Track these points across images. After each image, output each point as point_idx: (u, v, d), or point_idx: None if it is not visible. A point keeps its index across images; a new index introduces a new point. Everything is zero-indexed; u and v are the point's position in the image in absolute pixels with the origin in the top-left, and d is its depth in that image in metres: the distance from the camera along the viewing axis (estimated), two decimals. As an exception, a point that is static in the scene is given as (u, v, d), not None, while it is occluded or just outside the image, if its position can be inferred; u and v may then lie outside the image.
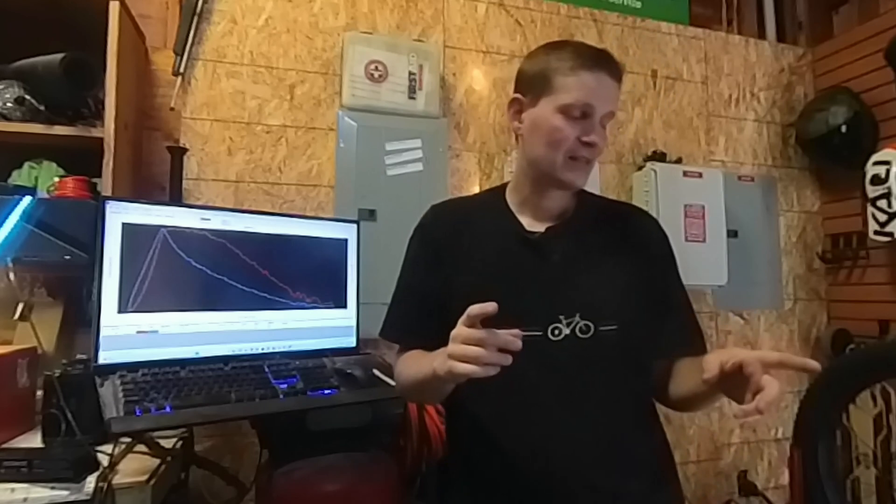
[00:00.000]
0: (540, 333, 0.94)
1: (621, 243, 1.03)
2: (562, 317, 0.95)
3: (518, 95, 1.02)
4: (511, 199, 1.07)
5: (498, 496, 0.97)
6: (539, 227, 1.02)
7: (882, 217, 2.15)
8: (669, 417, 2.04)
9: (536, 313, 0.95)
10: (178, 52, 1.81)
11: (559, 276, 0.99)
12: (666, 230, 1.09)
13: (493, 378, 0.75)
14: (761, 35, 2.68)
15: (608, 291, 0.98)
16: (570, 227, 1.02)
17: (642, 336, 0.99)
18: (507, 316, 0.82)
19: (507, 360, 0.74)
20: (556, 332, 0.95)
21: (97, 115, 1.54)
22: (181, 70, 1.81)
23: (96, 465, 1.06)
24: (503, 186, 1.12)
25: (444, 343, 0.80)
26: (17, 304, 1.44)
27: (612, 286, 0.99)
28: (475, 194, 1.17)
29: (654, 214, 2.12)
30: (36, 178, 1.57)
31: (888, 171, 2.12)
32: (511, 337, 0.74)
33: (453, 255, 1.03)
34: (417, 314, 1.05)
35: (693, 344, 1.02)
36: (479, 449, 0.99)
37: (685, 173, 2.24)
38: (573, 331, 0.95)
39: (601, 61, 0.95)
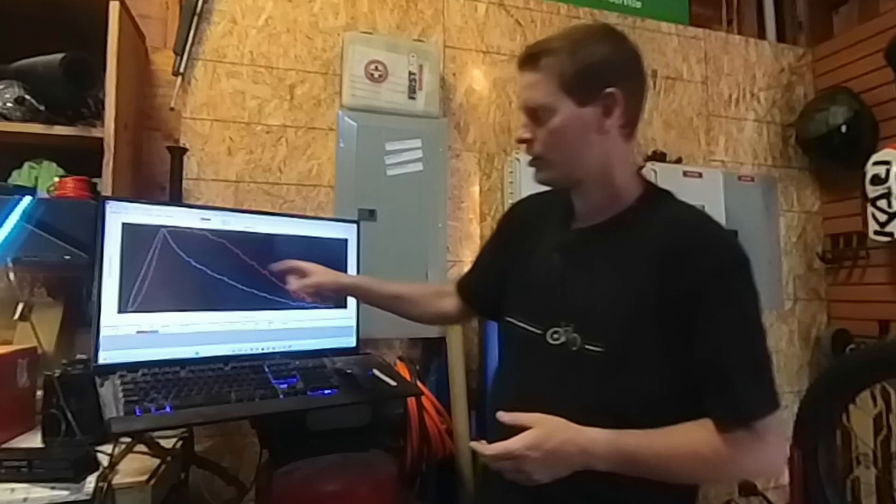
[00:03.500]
0: (540, 332, 0.95)
1: (649, 257, 0.86)
2: (562, 322, 0.92)
3: None
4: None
5: (492, 486, 0.99)
6: (576, 228, 1.00)
7: (882, 217, 2.15)
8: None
9: (541, 313, 0.96)
10: (178, 52, 1.81)
11: (568, 281, 0.95)
12: (744, 249, 0.89)
13: (507, 361, 0.88)
14: (761, 35, 2.68)
15: (602, 309, 0.88)
16: (600, 232, 0.94)
17: (637, 367, 0.85)
18: (522, 309, 1.00)
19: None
20: (556, 335, 0.93)
21: (97, 115, 1.54)
22: (181, 70, 1.81)
23: (96, 465, 1.06)
24: None
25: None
26: (17, 304, 1.43)
27: (609, 304, 0.88)
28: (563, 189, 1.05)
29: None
30: (36, 178, 1.57)
31: (888, 171, 2.12)
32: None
33: (518, 246, 1.08)
34: (475, 281, 1.20)
35: (711, 405, 0.81)
36: (490, 430, 0.99)
37: (685, 173, 2.24)
38: (567, 340, 0.91)
39: (519, 61, 0.95)
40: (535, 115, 0.92)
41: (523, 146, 0.97)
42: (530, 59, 0.92)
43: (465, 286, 1.21)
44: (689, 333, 0.82)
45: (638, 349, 0.85)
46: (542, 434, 0.82)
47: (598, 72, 0.89)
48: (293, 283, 1.20)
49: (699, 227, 0.90)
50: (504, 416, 0.85)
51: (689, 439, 0.81)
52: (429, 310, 1.24)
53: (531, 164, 0.96)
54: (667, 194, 0.96)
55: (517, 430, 0.84)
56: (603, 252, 0.92)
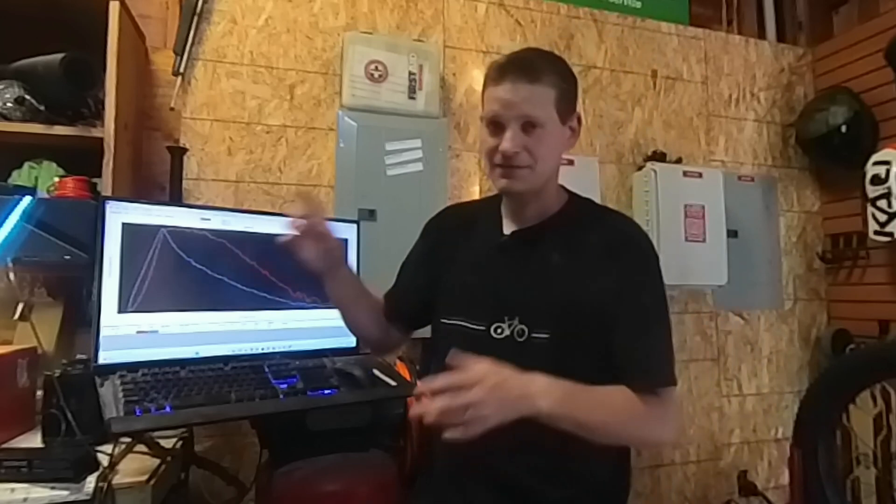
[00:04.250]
0: (483, 329, 1.01)
1: (584, 250, 1.00)
2: (505, 317, 1.00)
3: None
4: (503, 203, 1.12)
5: (442, 489, 1.05)
6: (512, 231, 1.08)
7: (882, 217, 2.15)
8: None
9: (484, 310, 1.02)
10: (178, 52, 1.80)
11: (511, 278, 1.03)
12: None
13: (442, 365, 0.86)
14: (761, 35, 2.68)
15: (547, 299, 0.98)
16: (537, 231, 1.04)
17: (578, 350, 0.96)
18: (462, 308, 1.05)
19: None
20: (499, 330, 1.01)
21: (97, 115, 1.54)
22: (181, 70, 1.81)
23: (96, 465, 1.06)
24: None
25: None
26: (17, 304, 1.44)
27: (552, 295, 0.98)
28: (486, 197, 1.19)
29: (654, 214, 2.14)
30: (36, 178, 1.57)
31: (888, 171, 2.12)
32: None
33: (445, 257, 1.12)
34: (398, 302, 1.20)
35: (628, 374, 0.93)
36: (435, 439, 1.06)
37: (685, 173, 2.24)
38: (512, 333, 1.00)
39: (507, 71, 0.96)
40: (530, 127, 0.96)
41: (504, 156, 0.97)
42: (529, 71, 0.96)
43: (389, 306, 1.21)
44: (615, 317, 0.95)
45: (579, 334, 0.96)
46: (488, 367, 0.83)
47: (574, 94, 1.03)
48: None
49: (623, 226, 1.06)
50: (453, 360, 0.84)
51: (614, 393, 0.92)
52: (381, 323, 1.21)
53: (509, 173, 0.98)
54: (588, 200, 1.11)
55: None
56: (541, 250, 1.02)
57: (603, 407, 0.91)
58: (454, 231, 1.16)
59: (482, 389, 0.81)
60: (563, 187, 1.10)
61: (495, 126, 0.98)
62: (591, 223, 1.05)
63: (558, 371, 0.90)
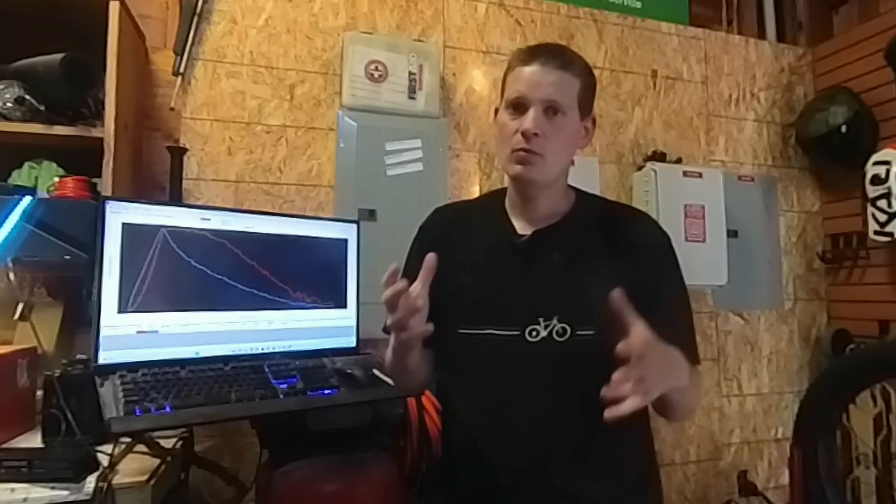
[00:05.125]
0: (517, 333, 0.97)
1: (610, 246, 1.00)
2: (540, 319, 0.96)
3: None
4: (507, 202, 1.09)
5: (470, 493, 1.01)
6: (529, 231, 1.04)
7: (882, 217, 2.15)
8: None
9: (515, 314, 0.98)
10: (178, 52, 1.81)
11: (540, 278, 1.00)
12: (666, 230, 1.07)
13: (472, 374, 0.85)
14: (761, 35, 2.68)
15: (588, 296, 0.93)
16: (558, 230, 1.02)
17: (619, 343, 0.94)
18: (487, 316, 0.98)
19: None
20: (534, 333, 0.96)
21: (97, 115, 1.54)
22: (181, 70, 1.81)
23: (96, 465, 1.06)
24: (505, 189, 1.12)
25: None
26: (17, 304, 1.43)
27: (592, 290, 0.92)
28: (478, 197, 1.18)
29: (654, 214, 2.14)
30: (36, 178, 1.57)
31: (888, 171, 2.12)
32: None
33: (447, 258, 1.04)
34: None
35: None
36: (459, 445, 1.04)
37: (685, 173, 2.24)
38: (550, 333, 0.96)
39: (538, 54, 0.97)
40: (553, 112, 0.95)
41: (519, 136, 0.95)
42: (562, 58, 0.96)
43: None
44: (653, 303, 0.90)
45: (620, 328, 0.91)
46: (646, 331, 0.77)
47: (593, 94, 1.03)
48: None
49: (640, 217, 1.09)
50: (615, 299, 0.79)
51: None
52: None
53: (525, 158, 0.96)
54: (594, 196, 1.13)
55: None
56: (568, 247, 1.00)
57: (694, 378, 0.92)
58: (450, 233, 1.11)
59: (652, 358, 0.76)
60: (570, 186, 1.09)
61: (516, 108, 0.97)
62: (608, 219, 1.05)
63: (605, 367, 0.87)
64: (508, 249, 1.03)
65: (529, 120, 0.94)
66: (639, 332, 0.76)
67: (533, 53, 0.97)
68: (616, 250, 0.99)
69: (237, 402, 1.15)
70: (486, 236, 1.07)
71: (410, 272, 1.07)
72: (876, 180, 2.15)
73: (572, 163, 1.06)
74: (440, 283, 1.01)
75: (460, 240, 1.08)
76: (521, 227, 1.04)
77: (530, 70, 0.96)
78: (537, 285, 0.99)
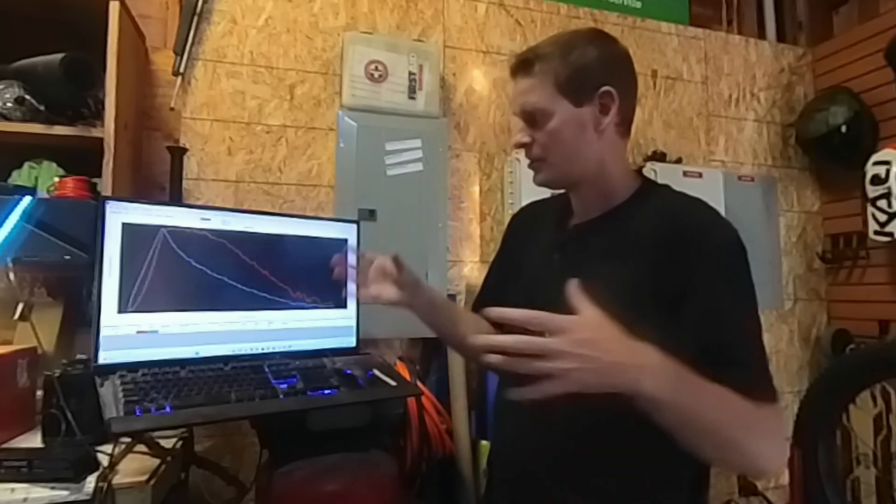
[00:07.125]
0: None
1: (650, 245, 0.88)
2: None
3: None
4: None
5: (498, 491, 1.02)
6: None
7: (882, 217, 2.15)
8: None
9: (553, 309, 0.92)
10: (178, 52, 1.81)
11: (566, 276, 0.89)
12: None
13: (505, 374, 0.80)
14: (761, 35, 2.68)
15: (610, 297, 0.83)
16: (595, 226, 0.97)
17: None
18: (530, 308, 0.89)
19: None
20: None
21: (97, 115, 1.54)
22: (181, 70, 1.81)
23: (96, 465, 1.06)
24: None
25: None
26: (17, 304, 1.43)
27: (615, 292, 0.81)
28: (562, 193, 1.08)
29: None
30: (36, 178, 1.57)
31: (888, 171, 2.12)
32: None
33: (519, 257, 1.10)
34: (489, 300, 1.05)
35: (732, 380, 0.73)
36: (496, 443, 1.07)
37: (685, 173, 2.24)
38: None
39: (512, 68, 0.97)
40: (533, 118, 0.94)
41: (521, 150, 0.98)
42: (523, 65, 0.94)
43: (481, 306, 1.10)
44: (685, 312, 0.81)
45: (642, 333, 0.82)
46: (592, 316, 0.69)
47: (591, 72, 0.92)
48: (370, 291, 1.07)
49: (692, 213, 0.92)
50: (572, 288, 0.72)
51: (730, 391, 0.72)
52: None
53: (531, 166, 0.99)
54: (663, 186, 1.00)
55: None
56: (598, 244, 0.95)
57: (722, 404, 0.72)
58: (526, 230, 1.14)
59: (571, 339, 0.67)
60: (638, 175, 1.00)
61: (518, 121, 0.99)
62: (657, 210, 0.92)
63: None
64: (552, 244, 1.03)
65: (516, 134, 0.98)
66: (583, 309, 0.69)
67: (510, 68, 0.98)
68: (648, 249, 0.87)
69: (237, 402, 1.15)
70: (549, 232, 1.07)
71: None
72: (876, 180, 2.15)
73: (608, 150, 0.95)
74: (512, 277, 1.08)
75: (533, 235, 1.10)
76: (571, 222, 1.03)
77: (513, 85, 0.97)
78: (563, 283, 0.89)
